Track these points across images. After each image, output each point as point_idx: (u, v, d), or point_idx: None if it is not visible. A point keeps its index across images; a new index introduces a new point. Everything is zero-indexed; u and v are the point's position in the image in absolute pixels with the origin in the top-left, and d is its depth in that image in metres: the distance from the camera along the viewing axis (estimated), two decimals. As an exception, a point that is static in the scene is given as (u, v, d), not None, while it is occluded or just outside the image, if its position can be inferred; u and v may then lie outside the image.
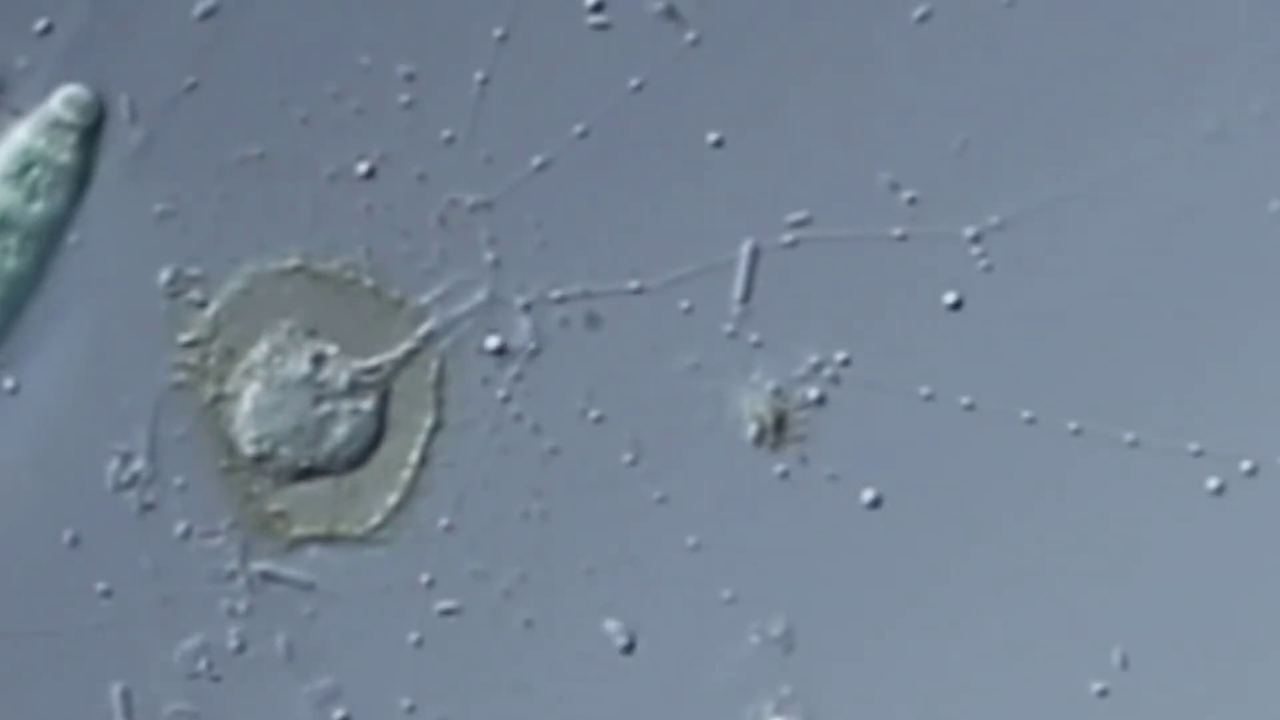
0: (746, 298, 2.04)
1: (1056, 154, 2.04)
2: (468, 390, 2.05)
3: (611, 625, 2.04)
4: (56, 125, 1.99)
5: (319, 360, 2.05)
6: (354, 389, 2.05)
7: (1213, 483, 2.03)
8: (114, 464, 2.02)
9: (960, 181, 2.04)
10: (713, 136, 2.04)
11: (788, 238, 2.03)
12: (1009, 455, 2.04)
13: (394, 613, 2.05)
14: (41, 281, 2.01)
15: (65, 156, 1.99)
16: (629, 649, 2.04)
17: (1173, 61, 2.04)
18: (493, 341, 2.05)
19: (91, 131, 2.00)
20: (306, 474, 2.05)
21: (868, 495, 2.04)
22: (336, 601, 2.05)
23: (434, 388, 2.05)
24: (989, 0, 2.05)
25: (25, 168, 1.99)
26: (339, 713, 2.04)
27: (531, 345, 2.04)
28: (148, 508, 2.03)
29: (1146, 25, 2.04)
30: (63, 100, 2.00)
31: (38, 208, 1.99)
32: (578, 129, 2.04)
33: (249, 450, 2.03)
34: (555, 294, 2.05)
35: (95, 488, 2.03)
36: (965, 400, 2.04)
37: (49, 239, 2.00)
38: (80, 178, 2.01)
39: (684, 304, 2.05)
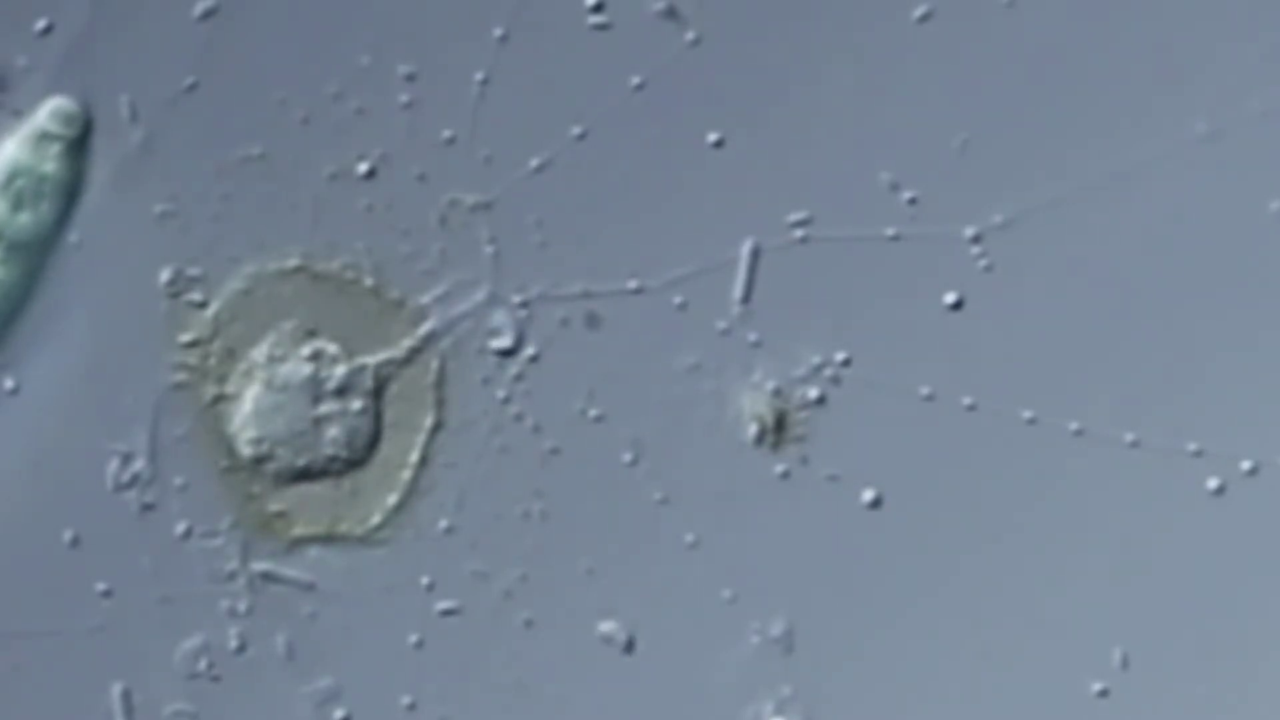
0: (747, 298, 2.04)
1: (1056, 154, 2.04)
2: (468, 390, 2.06)
3: (607, 627, 2.04)
4: (42, 137, 1.99)
5: (319, 360, 2.05)
6: (354, 389, 2.05)
7: (1213, 483, 2.03)
8: (114, 464, 2.02)
9: (960, 181, 2.05)
10: (713, 136, 2.04)
11: (798, 234, 2.03)
12: (1009, 455, 2.04)
13: (394, 613, 2.05)
14: (32, 292, 2.01)
15: (49, 167, 1.99)
16: (628, 649, 2.04)
17: (1172, 61, 2.05)
18: (495, 343, 2.05)
19: (78, 142, 2.00)
20: (306, 474, 2.05)
21: (868, 495, 2.04)
22: (336, 601, 2.05)
23: (434, 388, 2.05)
24: (989, 0, 2.05)
25: (10, 179, 1.99)
26: (339, 713, 2.04)
27: (529, 353, 2.04)
28: (148, 508, 2.03)
29: (1146, 25, 2.05)
30: (48, 112, 2.00)
31: (24, 218, 1.99)
32: (578, 129, 2.04)
33: (247, 451, 2.03)
34: (556, 293, 2.05)
35: (95, 488, 2.03)
36: (966, 400, 2.04)
37: (38, 249, 2.00)
38: (68, 188, 2.00)
39: (684, 304, 2.05)
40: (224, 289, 2.04)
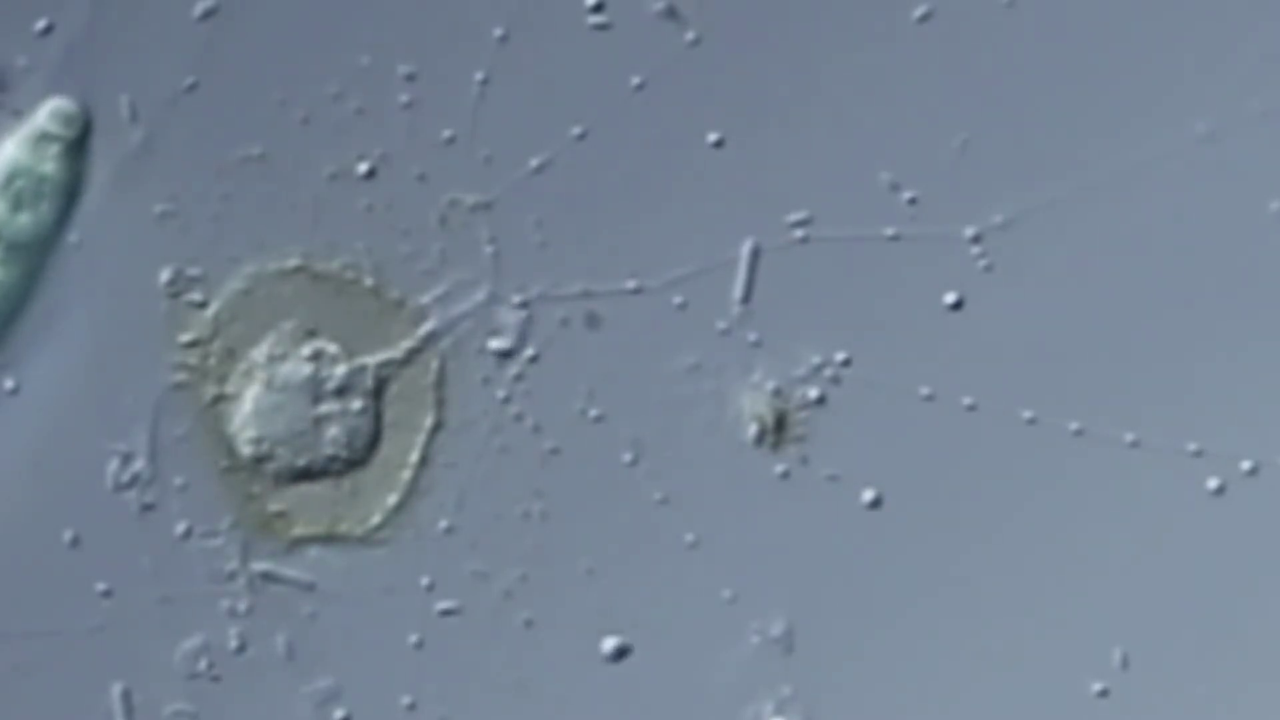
0: (747, 298, 2.04)
1: (1056, 154, 2.04)
2: (468, 390, 2.06)
3: (608, 642, 2.04)
4: (42, 137, 1.99)
5: (319, 360, 2.05)
6: (354, 389, 2.05)
7: (1213, 483, 2.03)
8: (114, 464, 2.02)
9: (960, 181, 2.05)
10: (713, 136, 2.04)
11: (798, 234, 2.03)
12: (1009, 455, 2.04)
13: (394, 613, 2.05)
14: (31, 293, 2.01)
15: (49, 167, 1.99)
16: (627, 651, 2.04)
17: (1172, 61, 2.04)
18: (495, 344, 2.05)
19: (77, 143, 2.00)
20: (306, 474, 2.05)
21: (868, 495, 2.04)
22: (336, 601, 2.05)
23: (434, 388, 2.05)
24: (989, 0, 2.05)
25: (9, 179, 1.99)
26: (339, 713, 2.04)
27: (525, 348, 2.04)
28: (148, 508, 2.03)
29: (1146, 25, 2.05)
30: (47, 113, 2.00)
31: (24, 219, 1.99)
32: (578, 129, 2.04)
33: (246, 450, 2.03)
34: (556, 293, 2.05)
35: (95, 488, 2.03)
36: (966, 400, 2.04)
37: (38, 250, 2.00)
38: (67, 189, 2.00)
39: (684, 304, 2.05)
40: (224, 289, 2.04)
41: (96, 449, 2.03)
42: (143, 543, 2.03)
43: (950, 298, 2.05)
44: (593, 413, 2.05)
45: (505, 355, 2.05)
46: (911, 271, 2.05)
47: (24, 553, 2.04)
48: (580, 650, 2.05)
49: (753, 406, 2.05)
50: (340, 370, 2.05)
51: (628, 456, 2.05)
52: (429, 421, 2.05)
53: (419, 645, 2.04)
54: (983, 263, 2.04)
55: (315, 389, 2.04)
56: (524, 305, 2.05)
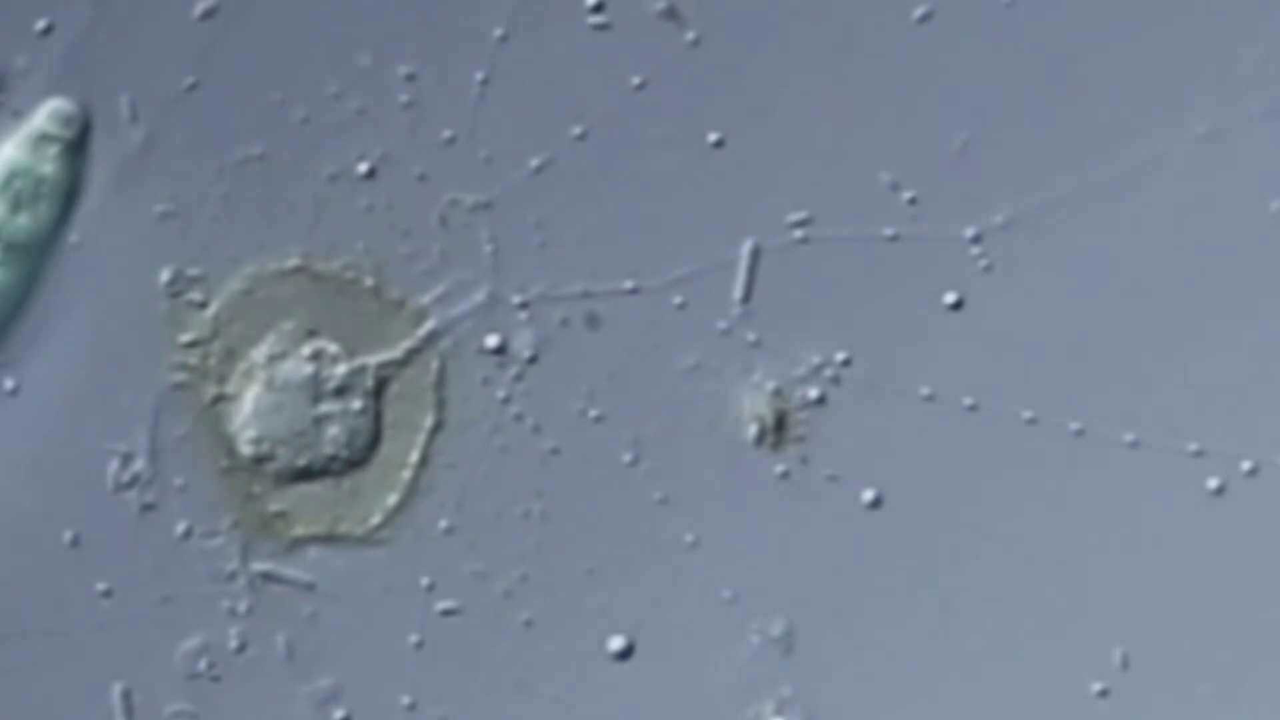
0: (747, 298, 2.04)
1: (1056, 154, 2.04)
2: (468, 390, 2.06)
3: (614, 640, 2.04)
4: (40, 138, 1.99)
5: (319, 360, 2.05)
6: (354, 389, 2.05)
7: (1213, 483, 2.03)
8: (114, 464, 2.02)
9: (960, 181, 2.05)
10: (713, 136, 2.04)
11: (798, 234, 2.03)
12: (1010, 455, 2.04)
13: (394, 613, 2.05)
14: (31, 294, 2.01)
15: (48, 168, 1.99)
16: (628, 652, 2.04)
17: (1172, 61, 2.05)
18: (493, 342, 2.05)
19: (76, 144, 2.00)
20: (306, 474, 2.05)
21: (868, 495, 2.04)
22: (336, 601, 2.05)
23: (434, 388, 2.05)
24: (989, 0, 2.05)
25: (8, 180, 1.99)
26: (339, 713, 2.04)
27: (528, 353, 2.04)
28: (148, 508, 2.03)
29: (1146, 25, 2.05)
30: (46, 114, 2.00)
31: (23, 219, 1.99)
32: (578, 129, 2.04)
33: (247, 450, 2.03)
34: (555, 293, 2.05)
35: (95, 488, 2.03)
36: (966, 400, 2.04)
37: (36, 251, 2.00)
38: (66, 190, 2.00)
39: (684, 304, 2.05)
40: (224, 289, 2.04)
41: (96, 449, 2.03)
42: (143, 543, 2.03)
43: (950, 298, 2.05)
44: (593, 413, 2.05)
45: (505, 355, 2.05)
46: (911, 271, 2.05)
47: (24, 553, 2.04)
48: (580, 650, 2.05)
49: (753, 406, 2.05)
50: (340, 370, 2.05)
51: (628, 456, 2.05)
52: (429, 421, 2.05)
53: (419, 645, 2.04)
54: (983, 263, 2.04)
55: (315, 389, 2.04)
56: (524, 305, 2.05)
